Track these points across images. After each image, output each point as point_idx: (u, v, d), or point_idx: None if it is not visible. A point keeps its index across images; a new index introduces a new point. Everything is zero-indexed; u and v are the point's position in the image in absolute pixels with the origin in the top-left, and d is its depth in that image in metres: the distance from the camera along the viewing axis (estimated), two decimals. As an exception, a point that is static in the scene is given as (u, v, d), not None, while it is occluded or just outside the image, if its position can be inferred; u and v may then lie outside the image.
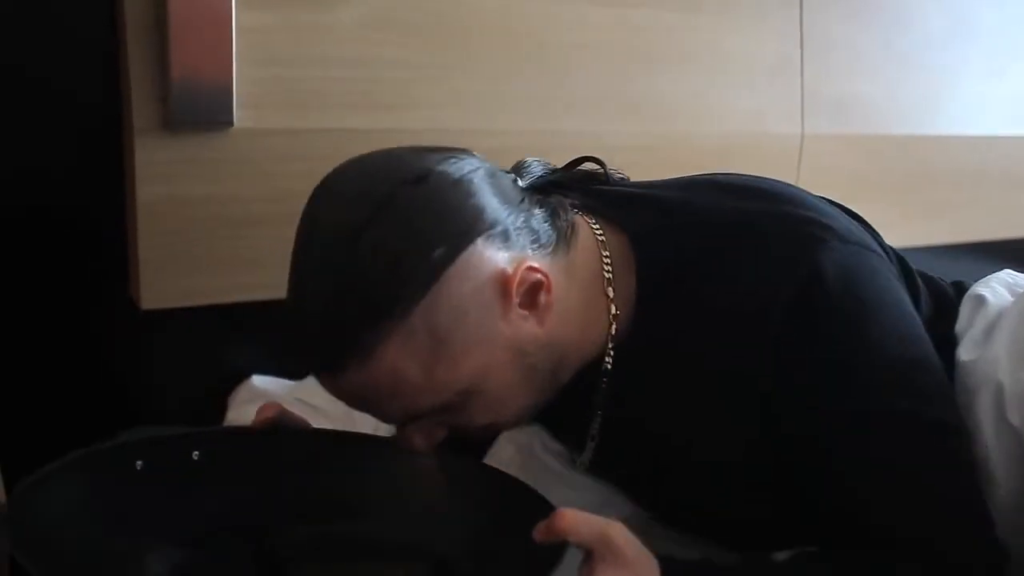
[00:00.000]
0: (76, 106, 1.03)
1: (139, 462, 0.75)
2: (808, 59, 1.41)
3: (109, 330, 1.11)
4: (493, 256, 0.72)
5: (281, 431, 0.81)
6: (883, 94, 1.51)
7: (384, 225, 0.69)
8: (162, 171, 1.00)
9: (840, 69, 1.45)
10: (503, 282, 0.72)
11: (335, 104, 1.06)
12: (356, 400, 0.74)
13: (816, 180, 0.86)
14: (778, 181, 0.85)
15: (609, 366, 0.80)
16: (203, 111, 0.99)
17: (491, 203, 0.73)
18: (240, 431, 0.87)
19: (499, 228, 0.72)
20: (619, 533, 0.63)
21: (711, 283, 0.77)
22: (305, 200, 1.05)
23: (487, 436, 0.80)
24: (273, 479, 0.79)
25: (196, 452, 0.78)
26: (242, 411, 1.12)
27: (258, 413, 0.80)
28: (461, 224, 0.71)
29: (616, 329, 0.79)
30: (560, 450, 0.96)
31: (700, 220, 0.80)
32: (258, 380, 1.17)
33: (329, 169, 0.76)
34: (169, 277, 1.03)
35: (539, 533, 0.63)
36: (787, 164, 1.39)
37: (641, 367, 0.80)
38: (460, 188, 0.72)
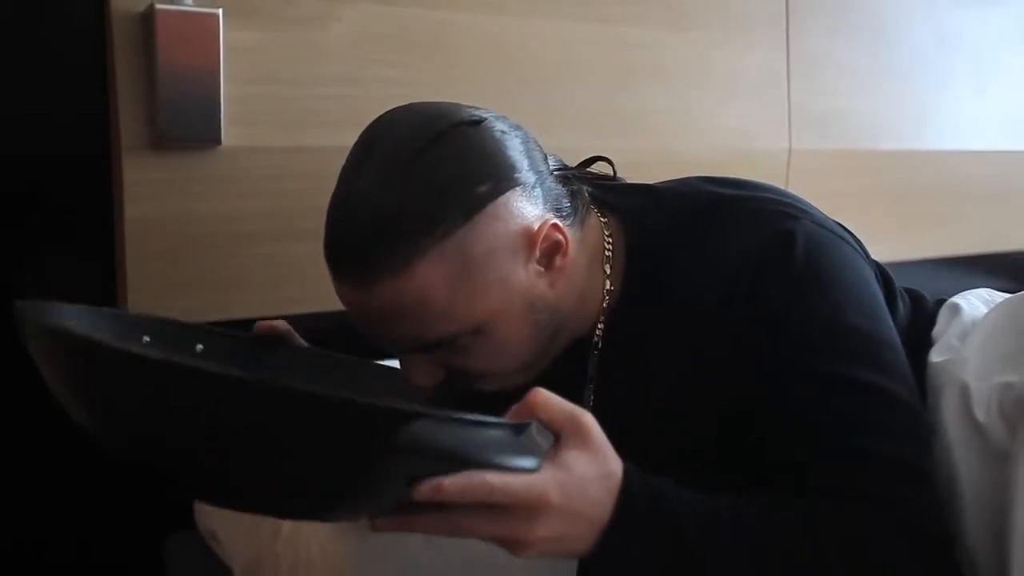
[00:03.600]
0: (64, 125, 1.03)
1: (146, 337, 0.78)
2: (795, 75, 1.43)
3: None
4: (525, 208, 0.77)
5: (283, 345, 0.87)
6: (869, 109, 1.52)
7: (439, 153, 0.74)
8: (150, 189, 0.99)
9: (826, 85, 1.47)
10: (530, 235, 0.77)
11: (324, 122, 1.06)
12: (375, 317, 0.75)
13: (803, 195, 0.87)
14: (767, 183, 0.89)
15: (599, 337, 0.84)
16: (191, 129, 0.99)
17: (527, 163, 0.79)
18: (247, 336, 0.89)
19: (533, 186, 0.78)
20: (590, 420, 0.64)
21: (693, 257, 0.81)
22: (295, 218, 1.06)
23: (474, 390, 0.82)
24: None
25: (200, 345, 0.82)
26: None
27: (259, 326, 0.86)
28: (505, 170, 0.76)
29: (608, 303, 0.84)
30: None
31: (686, 202, 0.85)
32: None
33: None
34: (157, 295, 1.02)
35: (511, 413, 0.64)
36: (775, 179, 1.40)
37: (627, 340, 0.84)
38: (508, 139, 0.78)
